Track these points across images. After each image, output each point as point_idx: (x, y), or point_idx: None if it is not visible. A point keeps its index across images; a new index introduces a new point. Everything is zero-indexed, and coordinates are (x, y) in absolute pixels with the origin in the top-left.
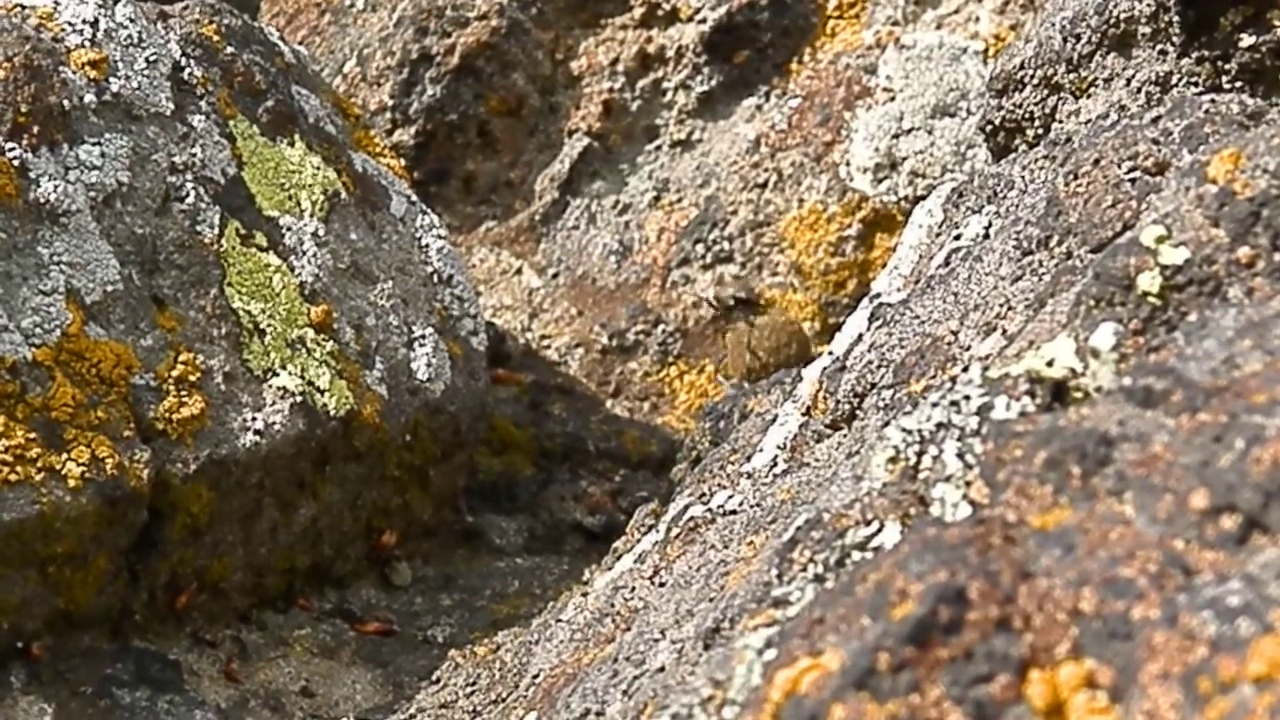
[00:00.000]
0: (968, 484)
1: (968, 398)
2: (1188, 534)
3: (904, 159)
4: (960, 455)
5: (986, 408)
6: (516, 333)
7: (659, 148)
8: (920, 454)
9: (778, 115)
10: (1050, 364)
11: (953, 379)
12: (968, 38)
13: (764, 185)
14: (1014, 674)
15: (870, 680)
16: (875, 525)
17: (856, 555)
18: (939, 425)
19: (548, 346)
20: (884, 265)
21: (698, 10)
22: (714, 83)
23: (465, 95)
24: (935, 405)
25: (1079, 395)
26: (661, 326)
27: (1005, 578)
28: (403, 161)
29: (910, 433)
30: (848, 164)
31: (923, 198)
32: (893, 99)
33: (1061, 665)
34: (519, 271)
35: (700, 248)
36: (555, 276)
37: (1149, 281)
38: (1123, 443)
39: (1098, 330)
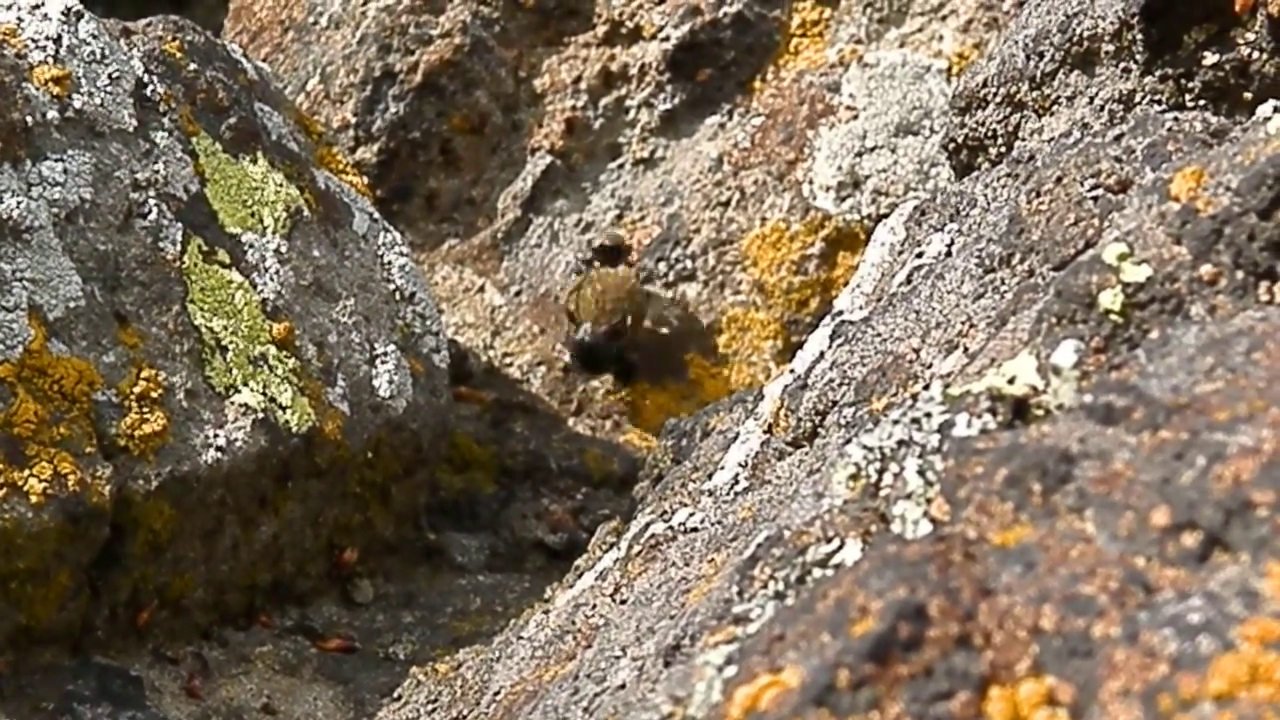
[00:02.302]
0: (928, 501)
1: (929, 415)
2: (1149, 551)
3: (867, 177)
4: (921, 472)
5: (948, 425)
6: (478, 350)
7: (621, 166)
8: (881, 471)
9: (740, 133)
10: (1011, 381)
11: (914, 397)
12: (931, 56)
13: (726, 203)
14: (974, 691)
15: (830, 697)
16: (836, 542)
17: (817, 572)
18: (900, 443)
19: (510, 364)
20: (846, 283)
21: (661, 28)
22: (677, 101)
23: (428, 113)
24: (896, 423)
25: (1040, 413)
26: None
27: (966, 595)
28: (365, 179)
29: (871, 450)
30: (810, 182)
31: (885, 216)
32: (856, 117)
33: (1022, 682)
34: (481, 289)
35: (663, 266)
36: (518, 294)
37: (1111, 299)
38: (1084, 460)
39: (1059, 348)
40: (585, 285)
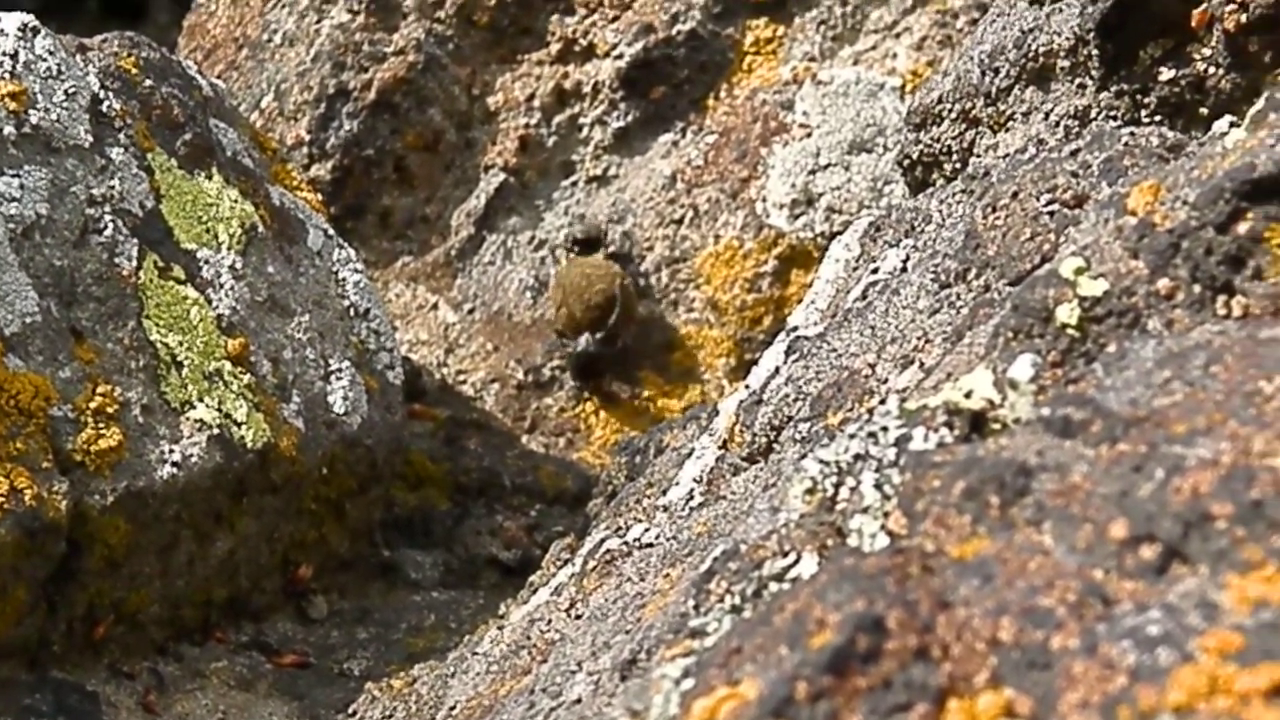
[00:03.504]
0: (886, 515)
1: (885, 429)
2: (1107, 564)
3: (820, 195)
4: (878, 486)
5: (904, 439)
6: (432, 368)
7: (575, 183)
8: (838, 485)
9: (694, 151)
10: (968, 395)
11: (870, 411)
12: (885, 74)
13: (680, 221)
14: (932, 703)
15: (788, 709)
16: (792, 556)
17: (774, 586)
18: (856, 457)
19: (463, 382)
20: (800, 301)
21: (614, 46)
22: (630, 119)
23: (382, 130)
24: (853, 437)
25: (997, 426)
26: None
27: (924, 607)
28: (320, 196)
29: (827, 464)
30: (764, 200)
31: (839, 234)
32: (809, 135)
33: (980, 694)
34: (435, 307)
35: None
36: (471, 312)
37: (1067, 313)
38: (1041, 473)
39: (1016, 362)
40: (569, 276)
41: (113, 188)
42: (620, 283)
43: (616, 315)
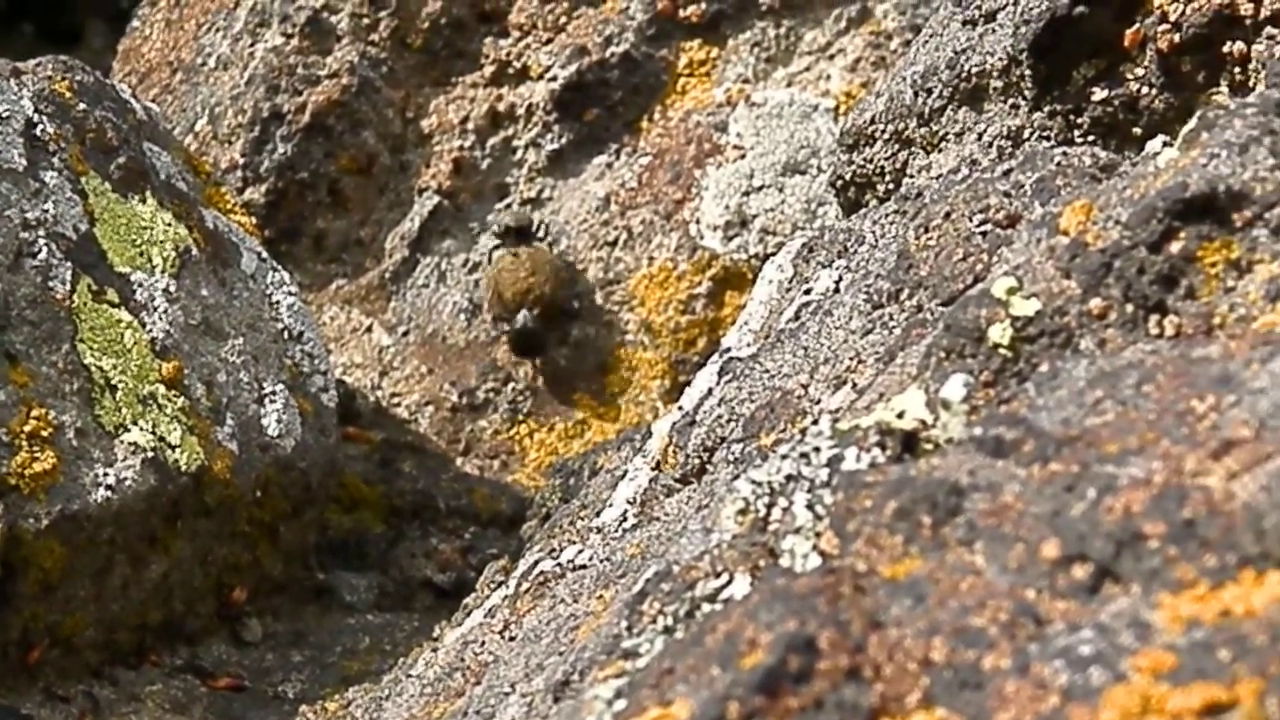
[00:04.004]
0: (818, 535)
1: (818, 449)
2: (1039, 583)
3: (754, 217)
4: (810, 506)
5: (837, 459)
6: (367, 390)
7: (509, 206)
8: (770, 506)
9: (628, 173)
10: (900, 416)
11: (803, 432)
12: (819, 95)
13: (614, 243)
14: None
15: None
16: (725, 577)
17: (706, 607)
18: (789, 477)
19: (398, 404)
20: (734, 322)
21: (548, 68)
22: (564, 141)
23: (316, 153)
24: (785, 457)
25: (930, 447)
26: (511, 385)
27: (855, 627)
28: (253, 219)
29: (760, 485)
30: (698, 222)
31: (773, 255)
32: (743, 156)
33: (912, 715)
34: (369, 329)
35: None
36: (405, 334)
37: (1000, 333)
38: (973, 492)
39: (948, 382)
40: (505, 261)
41: (46, 211)
42: (550, 261)
43: (549, 289)
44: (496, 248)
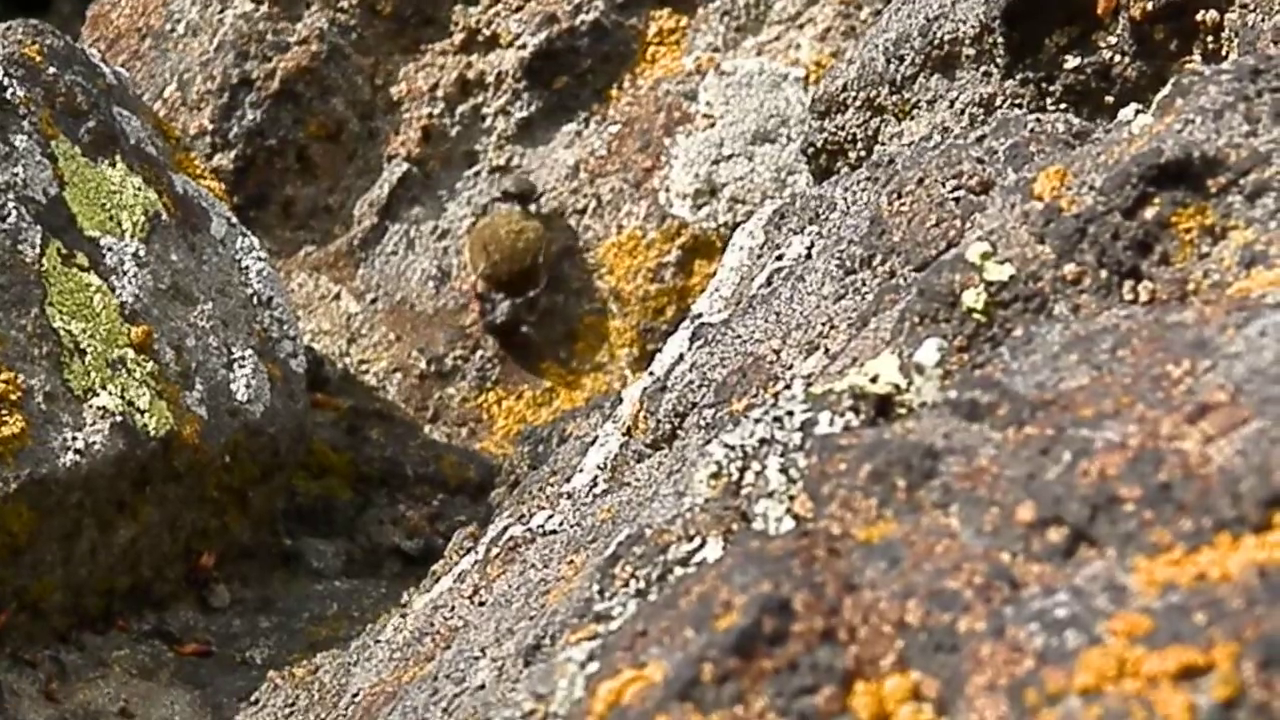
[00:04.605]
0: (791, 498)
1: (791, 413)
2: (1014, 547)
3: (724, 185)
4: (783, 470)
5: (810, 423)
6: (335, 357)
7: (478, 174)
8: (743, 470)
9: (597, 141)
10: (874, 380)
11: (776, 396)
12: (788, 64)
13: (583, 211)
14: (839, 685)
15: (694, 691)
16: (697, 541)
17: (679, 570)
18: (762, 441)
19: (366, 371)
20: (703, 291)
21: (518, 36)
22: (533, 109)
23: (285, 120)
24: (758, 421)
25: (903, 411)
26: (480, 352)
27: (830, 590)
28: (223, 185)
29: (733, 449)
30: (667, 190)
31: (743, 224)
32: (713, 125)
33: (887, 677)
34: (337, 296)
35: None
36: (374, 302)
37: (974, 298)
38: (948, 455)
39: (922, 347)
40: (495, 227)
41: (16, 175)
42: (547, 245)
43: (543, 281)
44: (494, 201)
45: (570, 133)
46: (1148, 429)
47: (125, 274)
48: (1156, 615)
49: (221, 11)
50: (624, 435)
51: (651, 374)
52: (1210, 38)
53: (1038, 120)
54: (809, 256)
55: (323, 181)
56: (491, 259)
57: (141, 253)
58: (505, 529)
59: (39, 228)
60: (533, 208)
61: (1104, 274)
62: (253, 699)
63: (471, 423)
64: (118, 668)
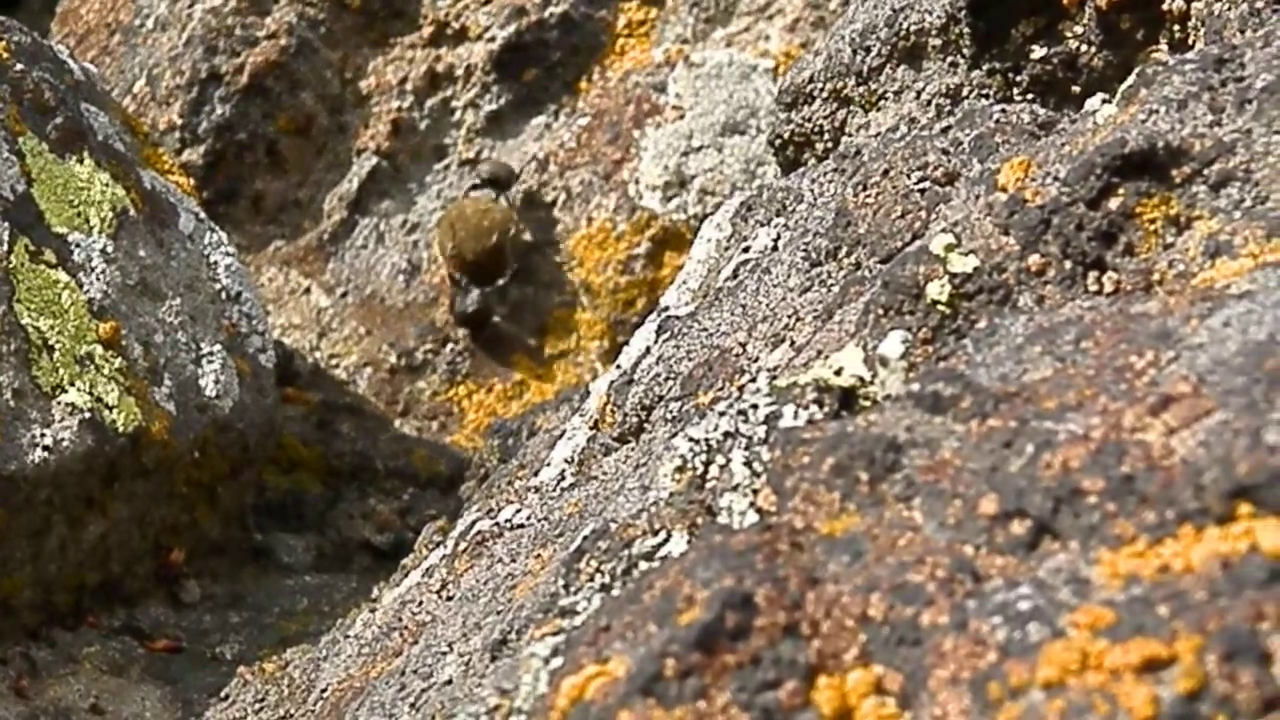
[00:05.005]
0: (755, 492)
1: (755, 406)
2: (977, 540)
3: (693, 177)
4: (748, 463)
5: (774, 416)
6: (305, 352)
7: (448, 167)
8: (708, 463)
9: (567, 134)
10: (838, 373)
11: (740, 389)
12: (757, 55)
13: (552, 204)
14: (802, 680)
15: (657, 686)
16: (662, 535)
17: (644, 565)
18: (726, 434)
19: (336, 365)
20: (672, 283)
21: (487, 29)
22: (503, 101)
23: (254, 114)
24: (723, 415)
25: (867, 403)
26: (450, 346)
27: (793, 584)
28: (192, 180)
29: (697, 442)
30: (637, 182)
31: (712, 215)
32: (682, 117)
33: (850, 671)
34: (307, 291)
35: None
36: (344, 296)
37: (938, 290)
38: (911, 449)
39: (886, 339)
40: (464, 212)
41: None
42: (515, 231)
43: (511, 266)
44: (471, 186)
45: (540, 125)
46: (1111, 421)
47: (93, 270)
48: (1119, 608)
49: (190, 6)
50: (591, 429)
51: (619, 367)
52: (1177, 26)
53: (1003, 111)
54: (775, 249)
55: (292, 176)
56: (457, 237)
57: (109, 249)
58: (473, 523)
59: (6, 224)
60: (511, 192)
61: (1068, 265)
62: (223, 694)
63: (442, 416)
64: (88, 664)
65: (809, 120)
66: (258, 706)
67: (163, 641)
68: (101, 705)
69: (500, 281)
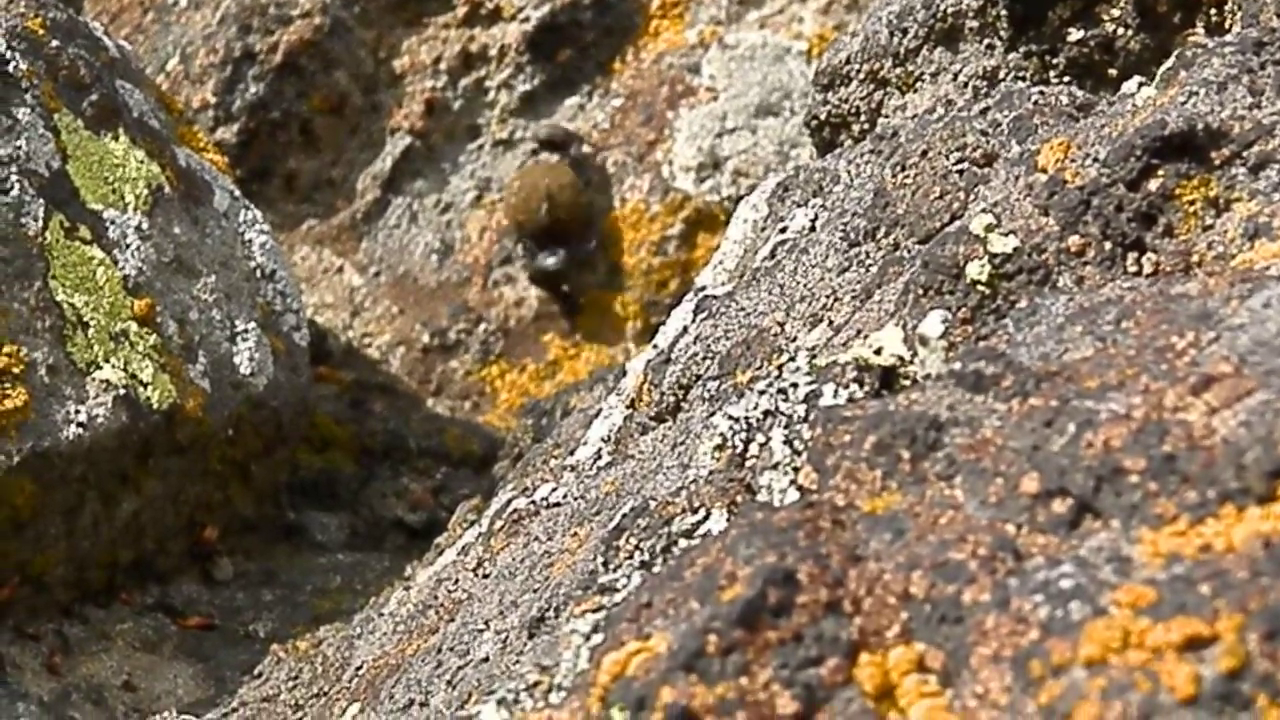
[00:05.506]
0: (795, 470)
1: (795, 385)
2: (1019, 518)
3: (727, 158)
4: (788, 442)
5: (814, 395)
6: (338, 331)
7: (481, 147)
8: (747, 441)
9: (600, 115)
10: (878, 352)
11: (780, 368)
12: (791, 38)
13: (586, 184)
14: (844, 657)
15: (699, 663)
16: (702, 513)
17: (683, 542)
18: (766, 413)
19: (369, 345)
20: (706, 264)
21: (520, 9)
22: (536, 82)
23: (288, 93)
24: (762, 393)
25: (908, 382)
26: (483, 325)
27: (835, 561)
28: (225, 159)
29: (737, 420)
30: (670, 163)
31: (746, 197)
32: (716, 98)
33: (891, 648)
34: (340, 270)
35: (520, 247)
36: (377, 275)
37: (978, 270)
38: (953, 427)
39: (926, 318)
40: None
41: (19, 148)
42: (586, 194)
43: (592, 229)
44: (534, 151)
45: (573, 106)
46: (1152, 400)
47: (128, 247)
48: (1161, 587)
49: None
50: (628, 408)
51: (655, 346)
52: (1213, 10)
53: (1041, 93)
54: (813, 229)
55: (325, 155)
56: (534, 199)
57: (144, 226)
58: (509, 502)
59: (42, 201)
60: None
61: (1108, 246)
62: (256, 672)
63: (475, 396)
64: (120, 641)
65: (845, 102)
66: (291, 684)
67: (195, 619)
68: (134, 682)
69: (590, 245)
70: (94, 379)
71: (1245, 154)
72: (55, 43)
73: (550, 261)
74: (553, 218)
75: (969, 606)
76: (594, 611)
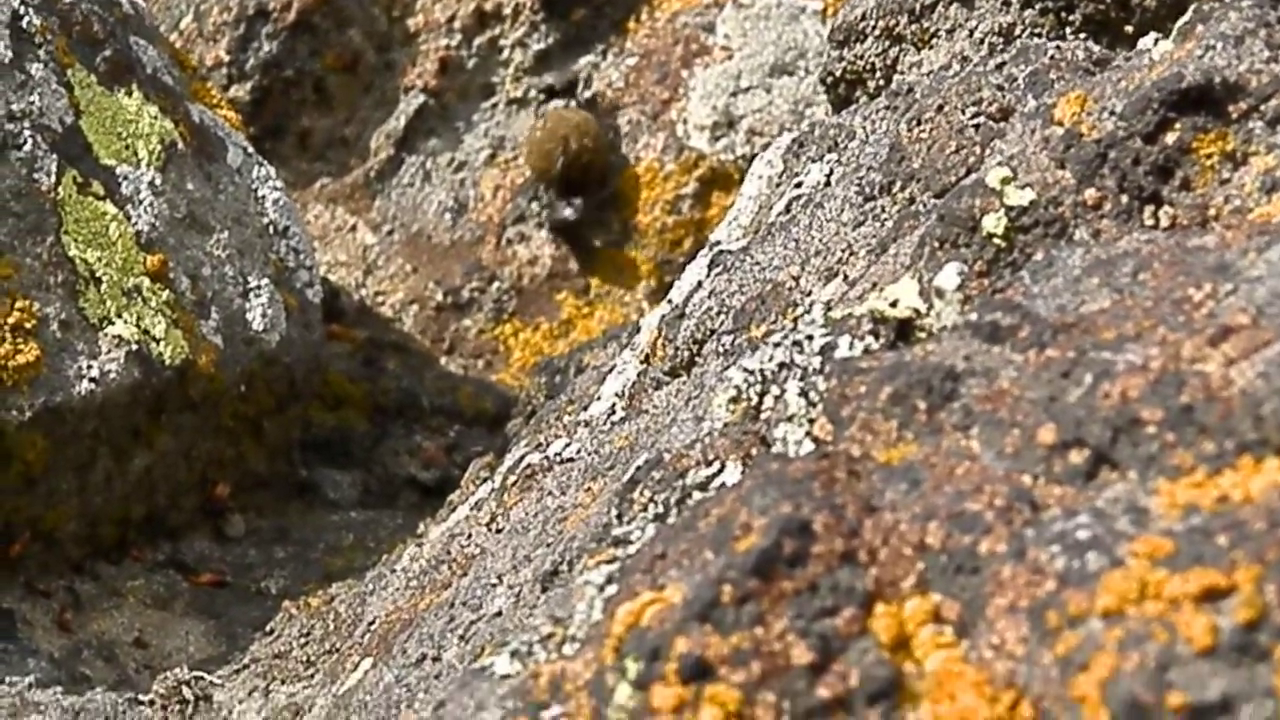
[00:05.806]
0: (811, 421)
1: (810, 338)
2: (1035, 469)
3: (742, 117)
4: (803, 394)
5: (830, 347)
6: (351, 289)
7: (495, 105)
8: (762, 394)
9: (615, 73)
10: (894, 304)
11: (795, 320)
12: None
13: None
14: (859, 607)
15: (714, 613)
16: (717, 465)
17: (698, 495)
18: (781, 365)
19: (382, 303)
20: (720, 223)
21: None
22: (551, 40)
23: (301, 51)
24: (777, 346)
25: (923, 334)
26: (496, 284)
27: (850, 511)
28: (239, 116)
29: (752, 373)
30: (685, 122)
31: (761, 153)
32: (730, 57)
33: (907, 599)
34: (354, 228)
35: (535, 206)
36: (390, 233)
37: (994, 223)
38: (969, 378)
39: (942, 271)
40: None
41: (32, 103)
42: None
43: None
44: (543, 103)
45: (588, 65)
46: (1169, 352)
47: (141, 203)
48: (1178, 537)
49: None
50: (642, 363)
51: (670, 301)
52: None
53: (1058, 47)
54: (828, 184)
55: (339, 113)
56: (550, 160)
57: (158, 181)
58: (522, 457)
59: (55, 156)
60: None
61: (1124, 199)
62: (268, 629)
63: (488, 354)
64: (132, 598)
65: (861, 58)
66: (303, 640)
67: (207, 575)
68: (145, 639)
69: (605, 193)
70: (106, 334)
71: (1263, 108)
72: None
73: (568, 212)
74: (571, 166)
75: (985, 557)
76: (608, 563)
